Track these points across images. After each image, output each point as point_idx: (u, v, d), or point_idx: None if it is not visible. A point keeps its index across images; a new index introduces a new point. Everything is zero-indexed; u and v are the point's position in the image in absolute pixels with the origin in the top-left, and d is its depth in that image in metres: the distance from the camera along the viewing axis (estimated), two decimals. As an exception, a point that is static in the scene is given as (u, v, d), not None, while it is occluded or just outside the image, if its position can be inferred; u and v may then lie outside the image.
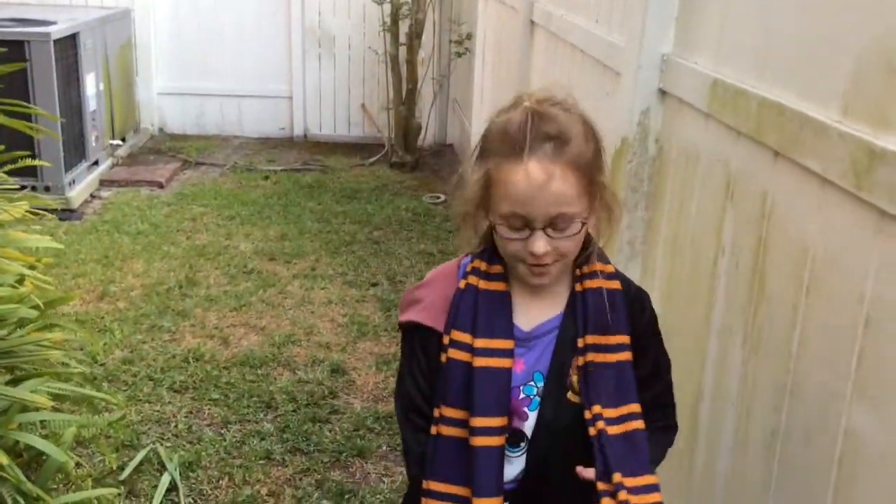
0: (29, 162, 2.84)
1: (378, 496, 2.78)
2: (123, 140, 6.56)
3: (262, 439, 3.06)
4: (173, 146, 6.97)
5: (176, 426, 3.13)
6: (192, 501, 2.73)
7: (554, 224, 1.25)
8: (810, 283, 1.36)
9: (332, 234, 5.15)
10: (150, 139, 7.18)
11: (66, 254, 4.61)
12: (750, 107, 1.58)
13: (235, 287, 4.34)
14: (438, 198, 5.92)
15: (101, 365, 3.49)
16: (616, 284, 1.36)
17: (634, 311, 1.37)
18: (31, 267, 2.11)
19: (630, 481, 1.28)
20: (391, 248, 4.99)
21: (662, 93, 2.08)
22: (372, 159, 6.84)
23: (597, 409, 1.31)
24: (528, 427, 1.34)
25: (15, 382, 2.12)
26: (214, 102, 7.36)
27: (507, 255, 1.31)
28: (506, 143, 1.25)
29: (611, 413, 1.31)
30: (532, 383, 1.34)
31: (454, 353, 1.32)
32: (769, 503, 1.46)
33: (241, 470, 2.88)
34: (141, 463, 2.87)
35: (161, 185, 5.96)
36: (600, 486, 1.28)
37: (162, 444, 2.99)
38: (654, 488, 1.30)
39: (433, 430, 1.36)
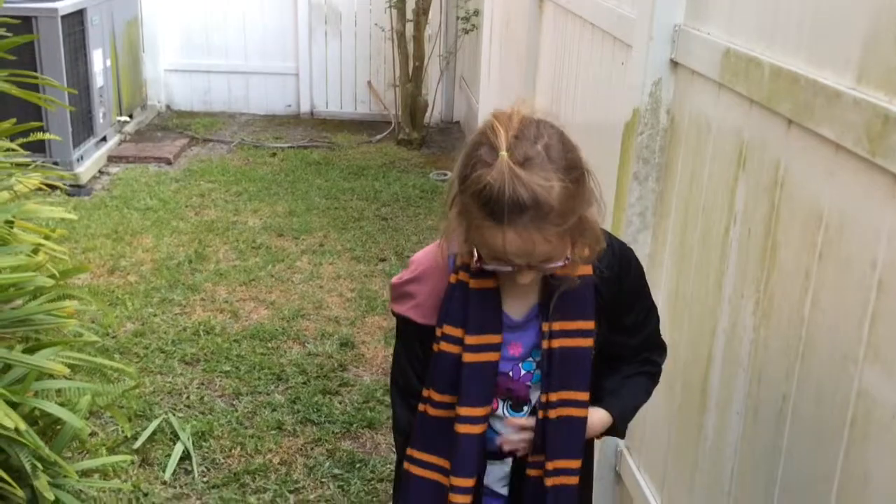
0: (40, 136, 2.86)
1: (388, 466, 2.81)
2: (131, 117, 6.57)
3: (274, 410, 3.10)
4: (180, 123, 6.98)
5: (188, 397, 3.17)
6: (205, 470, 2.77)
7: (538, 266, 1.29)
8: (823, 249, 1.37)
9: (339, 211, 5.17)
10: (156, 116, 7.18)
11: (75, 229, 4.64)
12: (762, 75, 1.58)
13: (244, 262, 4.37)
14: (445, 175, 5.92)
15: (113, 337, 3.53)
16: (586, 270, 1.38)
17: (621, 272, 1.43)
18: (46, 238, 2.13)
19: (551, 464, 1.42)
20: (399, 225, 5.00)
21: (674, 64, 2.08)
22: (379, 136, 6.84)
23: (553, 396, 1.40)
24: (533, 393, 1.44)
25: (30, 351, 2.14)
26: (221, 79, 7.36)
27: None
28: (485, 208, 1.21)
29: (553, 396, 1.40)
30: (531, 359, 1.42)
31: (446, 346, 1.39)
32: (780, 466, 1.48)
33: (253, 440, 2.91)
34: (154, 433, 2.90)
35: (169, 162, 5.98)
36: (531, 458, 1.44)
37: (174, 415, 3.02)
38: (573, 472, 1.44)
39: (420, 406, 1.45)
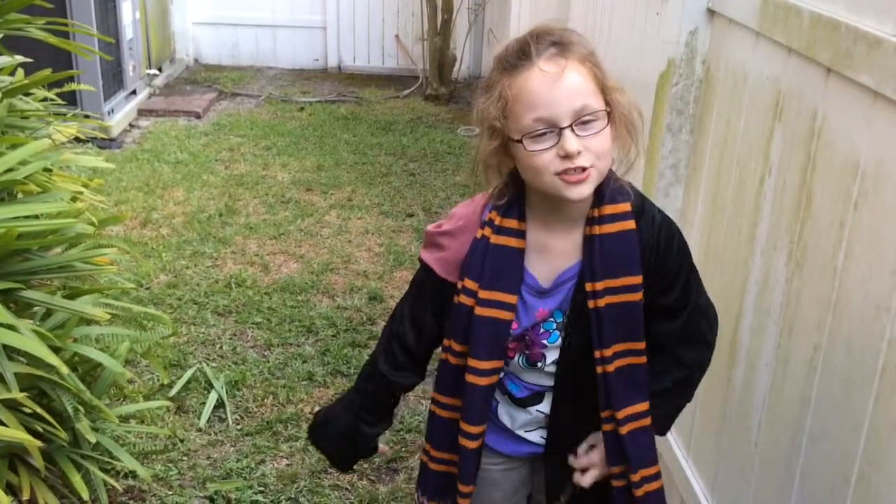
0: (73, 86, 2.89)
1: (417, 417, 2.86)
2: (160, 70, 6.58)
3: (304, 362, 3.15)
4: (208, 77, 6.99)
5: (221, 347, 3.22)
6: (238, 418, 2.83)
7: (579, 119, 1.24)
8: (858, 199, 1.36)
9: (367, 166, 5.17)
10: (185, 69, 7.19)
11: (108, 181, 4.69)
12: (802, 23, 1.56)
13: (274, 216, 4.40)
14: (473, 130, 5.88)
15: (147, 288, 3.59)
16: (629, 225, 1.35)
17: (659, 249, 1.37)
18: (85, 186, 2.17)
19: (622, 412, 1.40)
20: (427, 180, 5.00)
21: (711, 13, 2.05)
22: (406, 91, 6.80)
23: (606, 352, 1.38)
24: (550, 351, 1.43)
25: (70, 297, 2.19)
26: (249, 32, 7.34)
27: (538, 174, 1.28)
28: (511, 56, 1.27)
29: (608, 352, 1.38)
30: (552, 319, 1.41)
31: (462, 299, 1.40)
32: (809, 416, 1.49)
33: (285, 390, 2.97)
34: (188, 381, 2.97)
35: (198, 116, 6.00)
36: (603, 414, 1.41)
37: (208, 365, 3.08)
38: (643, 415, 1.41)
39: (443, 354, 1.47)
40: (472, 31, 6.98)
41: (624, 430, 1.40)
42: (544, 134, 1.25)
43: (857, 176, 1.37)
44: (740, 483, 1.80)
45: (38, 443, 1.68)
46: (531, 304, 1.40)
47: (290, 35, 7.32)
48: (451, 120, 6.18)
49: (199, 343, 3.24)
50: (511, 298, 1.38)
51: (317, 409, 2.86)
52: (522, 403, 1.50)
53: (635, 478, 1.40)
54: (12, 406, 1.74)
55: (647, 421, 1.41)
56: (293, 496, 2.51)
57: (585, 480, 1.44)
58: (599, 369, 1.39)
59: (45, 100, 2.29)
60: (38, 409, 1.71)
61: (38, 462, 1.75)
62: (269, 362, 3.15)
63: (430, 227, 1.47)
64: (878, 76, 1.29)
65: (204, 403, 2.86)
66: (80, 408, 1.90)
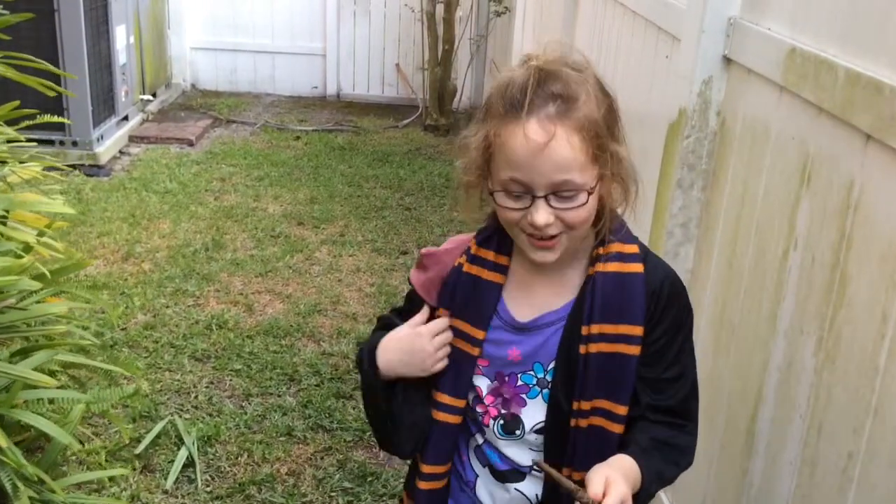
0: (46, 118, 2.71)
1: (401, 480, 2.65)
2: (154, 95, 6.43)
3: (284, 414, 2.95)
4: (205, 103, 6.84)
5: (196, 397, 3.03)
6: (209, 478, 2.63)
7: (557, 192, 1.14)
8: (906, 290, 1.17)
9: (362, 199, 5.00)
10: (181, 95, 7.05)
11: (91, 211, 4.52)
12: (835, 81, 1.38)
13: (262, 251, 4.22)
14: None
15: (123, 329, 3.40)
16: (636, 268, 1.22)
17: (660, 303, 1.22)
18: (42, 233, 1.98)
19: (580, 475, 1.20)
20: (422, 215, 4.83)
21: (727, 60, 1.88)
22: (405, 121, 6.65)
23: (584, 405, 1.22)
24: (529, 414, 1.27)
25: (24, 352, 2.00)
26: (248, 58, 7.20)
27: (508, 226, 1.21)
28: (506, 101, 1.15)
29: (586, 405, 1.23)
30: (531, 372, 1.27)
31: None
32: (842, 534, 1.30)
33: (261, 446, 2.77)
34: (158, 435, 2.76)
35: (191, 143, 5.84)
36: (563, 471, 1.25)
37: (181, 416, 2.88)
38: None
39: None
40: (473, 61, 6.85)
41: None
42: (519, 196, 1.16)
43: (903, 261, 1.18)
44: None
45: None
46: (503, 339, 1.27)
47: (289, 62, 7.19)
48: (449, 152, 6.01)
49: (172, 392, 3.04)
50: (478, 333, 1.27)
51: (293, 468, 2.67)
52: (503, 478, 1.32)
53: None
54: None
55: None
56: (263, 571, 2.30)
57: None
58: (573, 422, 1.23)
59: (10, 141, 2.11)
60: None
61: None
62: (246, 414, 2.95)
63: (425, 249, 1.38)
64: (929, 149, 1.11)
65: (172, 461, 2.65)
66: (20, 484, 1.70)
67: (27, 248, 1.92)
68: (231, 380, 3.15)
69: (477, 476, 1.35)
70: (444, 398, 1.30)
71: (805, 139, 1.50)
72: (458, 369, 1.29)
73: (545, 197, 1.14)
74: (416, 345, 1.28)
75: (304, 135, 6.21)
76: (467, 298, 1.28)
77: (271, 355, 3.31)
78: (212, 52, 7.17)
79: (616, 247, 1.22)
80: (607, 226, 1.22)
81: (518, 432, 1.28)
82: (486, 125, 1.18)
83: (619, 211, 1.24)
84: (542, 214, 1.14)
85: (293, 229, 4.52)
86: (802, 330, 1.45)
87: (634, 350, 1.21)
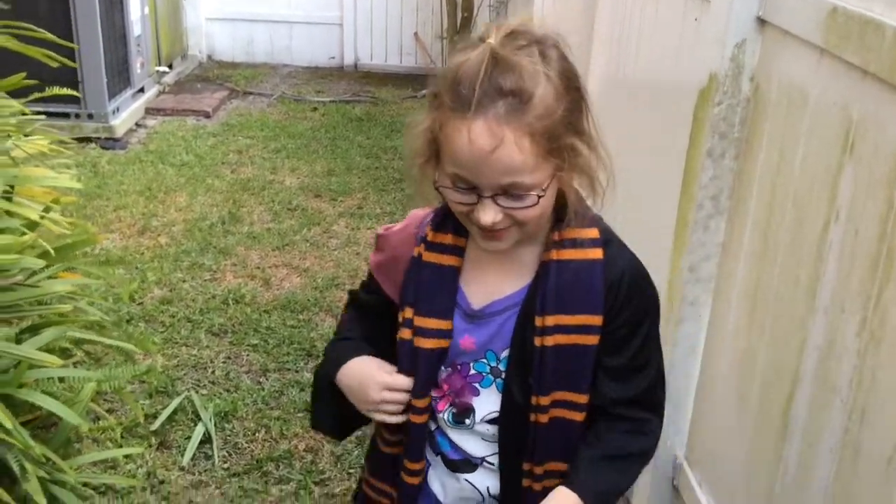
0: (56, 91, 2.65)
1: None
2: (170, 67, 6.37)
3: (302, 390, 2.90)
4: (221, 74, 6.77)
5: (213, 372, 2.99)
6: (226, 455, 2.59)
7: (506, 192, 1.06)
8: (962, 266, 1.08)
9: (380, 171, 4.93)
10: (197, 66, 6.98)
11: (108, 185, 4.48)
12: (882, 41, 1.28)
13: (279, 224, 4.17)
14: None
15: (139, 304, 3.36)
16: (594, 254, 1.15)
17: (619, 295, 1.15)
18: (48, 208, 1.93)
19: (542, 467, 1.21)
20: (442, 187, 4.74)
21: (762, 22, 1.77)
22: (424, 91, 6.51)
23: (543, 399, 1.17)
24: (481, 403, 1.23)
25: (33, 329, 1.96)
26: (264, 29, 7.11)
27: (457, 216, 1.14)
28: (454, 91, 1.04)
29: (545, 399, 1.17)
30: (484, 360, 1.22)
31: (404, 334, 1.22)
32: (887, 526, 1.22)
33: (279, 422, 2.73)
34: (175, 411, 2.73)
35: (208, 115, 5.78)
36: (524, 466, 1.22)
37: (198, 392, 2.85)
38: (563, 474, 1.20)
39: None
40: (494, 29, 6.71)
41: (538, 486, 1.21)
42: (466, 191, 1.08)
43: (958, 235, 1.09)
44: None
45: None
46: (458, 327, 1.21)
47: (306, 32, 7.08)
48: (470, 123, 5.91)
49: (189, 367, 3.01)
50: (446, 324, 1.20)
51: (311, 445, 2.63)
52: (454, 467, 1.28)
53: None
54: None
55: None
56: (280, 551, 2.27)
57: None
58: (532, 417, 1.18)
59: (19, 112, 2.04)
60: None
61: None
62: (263, 390, 2.90)
63: (381, 228, 1.32)
64: None
65: (189, 438, 2.62)
66: (28, 465, 1.67)
67: (32, 225, 1.87)
68: (248, 355, 3.10)
69: (429, 465, 1.30)
70: (419, 402, 1.24)
71: (848, 104, 1.41)
72: (427, 371, 1.22)
73: (493, 196, 1.06)
74: (365, 386, 1.23)
75: (321, 106, 6.13)
76: (432, 291, 1.21)
77: (289, 330, 3.26)
78: (228, 23, 7.08)
79: (573, 232, 1.15)
80: (571, 216, 1.13)
81: (468, 422, 1.24)
82: (432, 114, 1.09)
83: (589, 203, 1.16)
84: (489, 214, 1.07)
85: (310, 202, 4.46)
86: (844, 308, 1.36)
87: (593, 340, 1.15)
